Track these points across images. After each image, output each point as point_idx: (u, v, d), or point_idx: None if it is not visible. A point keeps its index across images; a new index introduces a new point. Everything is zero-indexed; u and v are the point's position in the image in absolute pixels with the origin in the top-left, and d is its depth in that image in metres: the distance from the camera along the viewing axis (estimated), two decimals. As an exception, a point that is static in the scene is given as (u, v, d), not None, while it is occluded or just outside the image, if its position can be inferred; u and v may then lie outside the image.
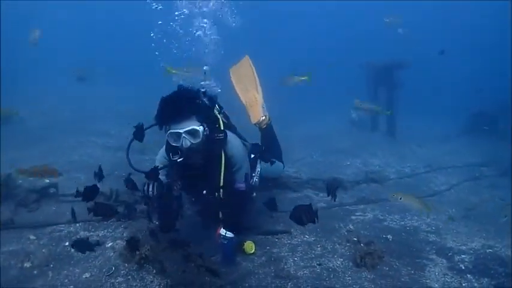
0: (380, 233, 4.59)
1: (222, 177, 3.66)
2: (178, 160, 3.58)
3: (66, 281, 3.34)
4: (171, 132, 3.46)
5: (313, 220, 3.26)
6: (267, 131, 5.15)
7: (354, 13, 26.73)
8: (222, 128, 3.82)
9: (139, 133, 3.60)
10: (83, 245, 3.39)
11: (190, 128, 3.44)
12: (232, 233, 3.71)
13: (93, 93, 14.86)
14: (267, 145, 4.96)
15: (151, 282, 3.33)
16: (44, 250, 3.82)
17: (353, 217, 5.05)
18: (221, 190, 3.68)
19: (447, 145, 10.15)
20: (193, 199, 4.00)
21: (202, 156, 3.60)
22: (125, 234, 4.11)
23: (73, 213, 3.85)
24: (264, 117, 4.94)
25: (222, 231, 3.69)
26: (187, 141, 3.44)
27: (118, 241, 3.98)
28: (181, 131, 3.42)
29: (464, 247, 4.34)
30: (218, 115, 3.98)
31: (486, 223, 5.02)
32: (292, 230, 4.47)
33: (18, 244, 3.96)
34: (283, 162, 5.12)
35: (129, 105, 13.31)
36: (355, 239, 4.27)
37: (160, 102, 3.53)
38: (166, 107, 3.49)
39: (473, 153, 8.58)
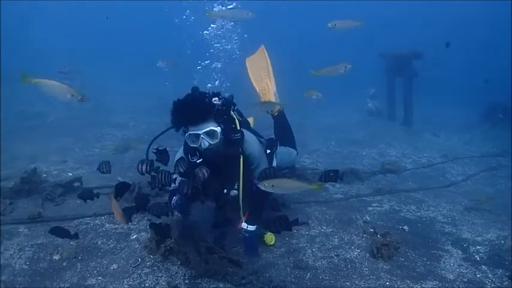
0: (396, 223, 4.67)
1: (241, 176, 3.75)
2: (197, 161, 3.69)
3: (94, 272, 3.50)
4: (189, 134, 3.55)
5: (289, 228, 3.48)
6: (279, 119, 5.23)
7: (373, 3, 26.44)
8: (239, 128, 3.90)
9: (163, 156, 3.65)
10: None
11: (208, 129, 3.52)
12: (254, 226, 3.83)
13: (110, 86, 15.12)
14: (281, 132, 5.09)
15: (176, 273, 3.47)
16: (71, 243, 3.98)
17: (370, 208, 5.13)
18: (241, 188, 3.76)
19: (464, 135, 10.14)
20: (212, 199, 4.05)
21: (220, 156, 3.68)
22: (148, 227, 4.26)
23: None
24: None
25: (244, 225, 3.82)
26: (205, 142, 3.53)
27: (142, 233, 4.13)
28: (200, 132, 3.51)
29: (479, 238, 4.40)
30: (234, 115, 4.05)
31: (502, 214, 5.08)
32: (310, 222, 4.58)
33: (46, 237, 4.11)
34: (296, 149, 5.17)
35: (146, 97, 13.53)
36: (372, 230, 4.36)
37: (175, 105, 3.59)
38: (183, 110, 3.56)
39: (490, 143, 8.56)
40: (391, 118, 11.48)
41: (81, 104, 3.24)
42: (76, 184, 5.33)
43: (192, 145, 3.60)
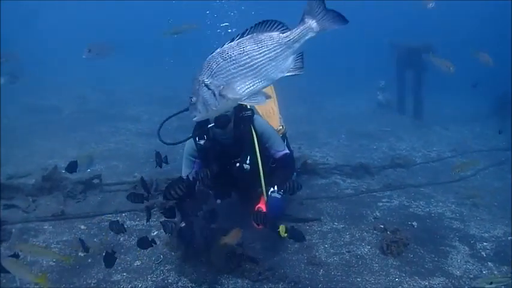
0: (406, 219, 4.82)
1: (258, 151, 3.82)
2: (202, 143, 3.80)
3: (119, 268, 3.70)
4: None
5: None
6: None
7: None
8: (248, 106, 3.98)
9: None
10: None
11: None
12: (280, 191, 3.81)
13: (122, 79, 15.31)
14: None
15: (197, 269, 3.65)
16: (95, 239, 4.19)
17: (380, 204, 5.28)
18: (260, 164, 3.79)
19: (473, 128, 10.22)
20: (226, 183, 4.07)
21: (233, 134, 3.81)
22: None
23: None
24: (280, 127, 5.08)
25: (271, 190, 3.82)
26: None
27: (162, 230, 4.32)
28: None
29: (486, 234, 4.55)
30: None
31: (510, 210, 5.19)
32: (322, 218, 4.75)
33: (71, 234, 4.32)
34: (296, 171, 5.15)
35: (159, 88, 13.68)
36: (382, 226, 4.52)
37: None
38: None
39: (499, 137, 8.63)
40: (401, 111, 11.55)
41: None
42: (96, 181, 5.52)
43: None
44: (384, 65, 12.66)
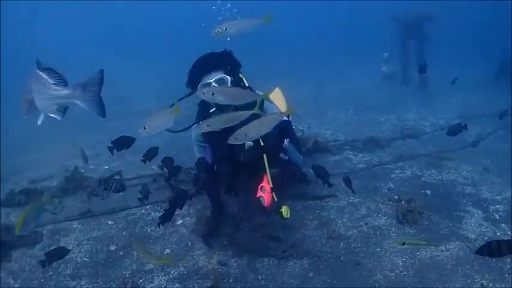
0: (419, 189, 4.96)
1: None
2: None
3: (151, 257, 3.92)
4: (202, 83, 3.78)
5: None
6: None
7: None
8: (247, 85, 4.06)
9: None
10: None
11: (218, 76, 3.76)
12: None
13: (128, 74, 15.44)
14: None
15: (225, 252, 3.87)
16: (124, 233, 4.40)
17: (392, 175, 5.42)
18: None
19: (479, 93, 10.27)
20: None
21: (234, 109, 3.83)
22: (190, 211, 4.65)
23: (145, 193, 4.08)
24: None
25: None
26: None
27: (186, 218, 4.52)
28: (210, 80, 3.75)
29: (498, 197, 4.69)
30: (242, 75, 4.17)
31: (520, 172, 5.32)
32: (337, 193, 4.91)
33: (100, 230, 4.53)
34: (303, 155, 5.25)
35: (165, 83, 13.79)
36: (396, 197, 4.68)
37: (194, 62, 3.88)
38: (198, 63, 3.85)
39: (504, 100, 8.69)
40: (406, 82, 11.61)
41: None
42: (116, 177, 5.71)
43: None
44: (386, 37, 12.68)
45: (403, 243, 2.92)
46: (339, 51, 18.59)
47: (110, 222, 4.68)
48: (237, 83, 3.96)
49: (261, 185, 3.78)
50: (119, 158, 6.90)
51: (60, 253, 3.18)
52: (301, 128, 7.17)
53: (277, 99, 5.13)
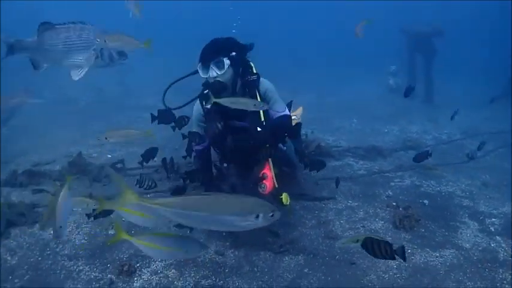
0: (417, 198, 5.02)
1: (261, 112, 3.91)
2: (211, 106, 3.86)
3: (149, 242, 3.96)
4: (201, 64, 3.85)
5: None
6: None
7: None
8: (255, 72, 4.08)
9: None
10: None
11: (216, 59, 3.78)
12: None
13: (135, 68, 15.50)
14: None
15: (223, 243, 3.92)
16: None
17: (392, 183, 5.47)
18: (264, 124, 3.91)
19: (484, 111, 10.32)
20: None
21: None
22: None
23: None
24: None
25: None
26: (213, 72, 3.77)
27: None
28: (210, 62, 3.78)
29: (495, 211, 4.74)
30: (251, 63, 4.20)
31: (520, 189, 5.37)
32: (336, 196, 4.97)
33: (100, 214, 4.56)
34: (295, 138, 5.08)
35: (171, 77, 13.87)
36: (394, 204, 4.73)
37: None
38: (203, 48, 3.90)
39: (508, 119, 8.75)
40: (412, 95, 11.67)
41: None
42: (119, 165, 5.78)
43: (202, 76, 3.88)
44: (394, 50, 12.77)
45: (357, 241, 2.89)
46: (346, 60, 18.68)
47: (110, 207, 4.71)
48: (244, 72, 4.01)
49: (263, 171, 3.82)
50: (123, 148, 6.97)
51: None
52: (304, 132, 7.22)
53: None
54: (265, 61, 5.60)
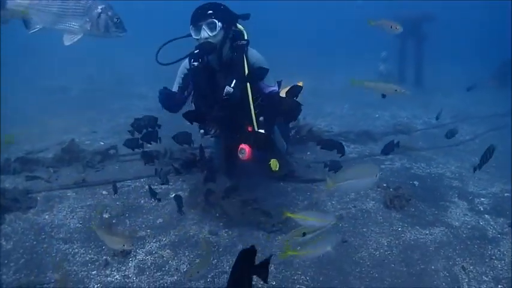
0: (407, 179, 5.09)
1: (247, 76, 3.96)
2: (197, 64, 3.97)
3: (143, 226, 4.00)
4: (193, 25, 3.90)
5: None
6: None
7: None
8: (246, 38, 4.14)
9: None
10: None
11: (210, 20, 3.83)
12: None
13: (128, 58, 15.45)
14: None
15: (216, 223, 3.98)
16: (118, 203, 4.48)
17: (382, 166, 5.53)
18: (250, 92, 3.94)
19: (473, 95, 10.39)
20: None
21: (223, 59, 4.03)
22: (184, 187, 4.75)
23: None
24: None
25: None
26: (205, 33, 3.83)
27: (179, 192, 4.60)
28: (202, 22, 3.84)
29: (484, 191, 4.84)
30: (242, 28, 4.25)
31: (507, 170, 5.43)
32: (328, 178, 5.01)
33: (94, 199, 4.58)
34: (287, 144, 5.16)
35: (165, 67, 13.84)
36: (385, 184, 4.81)
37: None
38: (196, 10, 3.94)
39: (498, 103, 8.84)
40: (402, 80, 11.75)
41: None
42: (112, 151, 5.79)
43: (194, 36, 3.93)
44: (385, 35, 12.78)
45: (304, 234, 2.87)
46: (337, 47, 18.70)
47: (104, 192, 4.74)
48: (234, 36, 4.08)
49: (240, 146, 3.86)
50: (116, 135, 6.97)
51: None
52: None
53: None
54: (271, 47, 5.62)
